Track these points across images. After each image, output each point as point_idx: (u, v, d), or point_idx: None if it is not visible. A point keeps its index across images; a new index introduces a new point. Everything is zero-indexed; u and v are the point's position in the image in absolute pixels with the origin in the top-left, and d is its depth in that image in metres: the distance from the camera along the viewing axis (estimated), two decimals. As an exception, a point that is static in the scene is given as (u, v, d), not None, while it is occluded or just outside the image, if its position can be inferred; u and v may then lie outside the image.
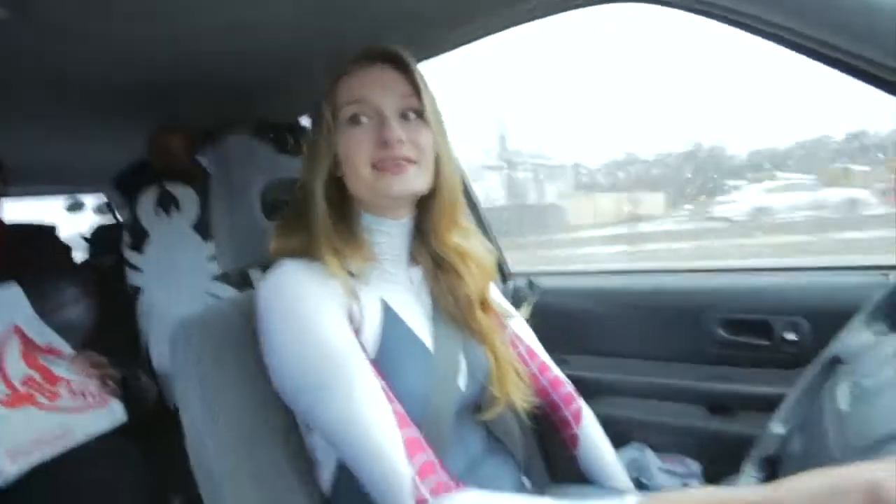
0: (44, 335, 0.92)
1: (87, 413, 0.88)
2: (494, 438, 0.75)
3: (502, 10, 0.85)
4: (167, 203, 1.26)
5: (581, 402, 0.82)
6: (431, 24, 0.90)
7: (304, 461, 0.66)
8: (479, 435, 0.72)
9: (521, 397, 0.71)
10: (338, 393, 0.54)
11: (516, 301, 1.26)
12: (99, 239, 1.87)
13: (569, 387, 0.82)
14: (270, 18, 0.83)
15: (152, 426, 1.09)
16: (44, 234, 1.24)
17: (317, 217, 0.62)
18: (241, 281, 1.23)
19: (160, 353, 1.24)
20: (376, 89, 0.62)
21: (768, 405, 0.58)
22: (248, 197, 0.76)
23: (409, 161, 0.61)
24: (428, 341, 0.66)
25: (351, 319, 0.60)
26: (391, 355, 0.62)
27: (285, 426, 0.66)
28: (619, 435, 1.02)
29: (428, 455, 0.54)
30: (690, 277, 1.11)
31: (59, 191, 2.29)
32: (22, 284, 0.96)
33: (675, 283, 1.11)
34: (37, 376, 0.85)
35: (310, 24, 0.85)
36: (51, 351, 0.91)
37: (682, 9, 0.68)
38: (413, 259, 0.71)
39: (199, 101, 1.28)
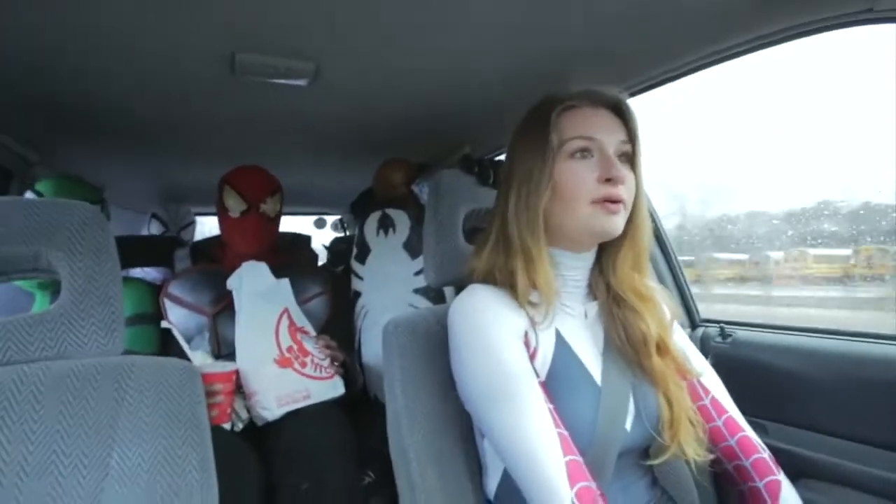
0: (300, 318, 1.23)
1: (321, 382, 1.14)
2: (663, 491, 0.71)
3: (698, 50, 0.84)
4: (386, 225, 1.52)
5: (781, 477, 0.68)
6: (622, 64, 0.94)
7: (476, 457, 0.74)
8: (645, 483, 0.69)
9: (695, 449, 0.65)
10: (509, 407, 0.58)
11: (704, 350, 1.16)
12: (334, 249, 2.33)
13: (765, 454, 0.70)
14: (479, 68, 0.99)
15: (357, 408, 1.33)
16: (303, 242, 1.65)
17: (522, 244, 0.65)
18: (436, 295, 1.42)
19: (369, 349, 1.47)
20: (603, 130, 0.65)
21: None
22: (454, 224, 0.87)
23: (622, 202, 0.64)
24: (597, 376, 0.66)
25: (527, 345, 0.64)
26: (560, 384, 0.64)
27: (465, 423, 0.74)
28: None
29: (589, 483, 0.55)
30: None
31: (310, 211, 2.96)
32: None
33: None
34: (295, 347, 1.14)
35: (513, 67, 0.98)
36: (303, 331, 1.21)
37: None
38: (591, 293, 0.73)
39: (416, 141, 1.54)
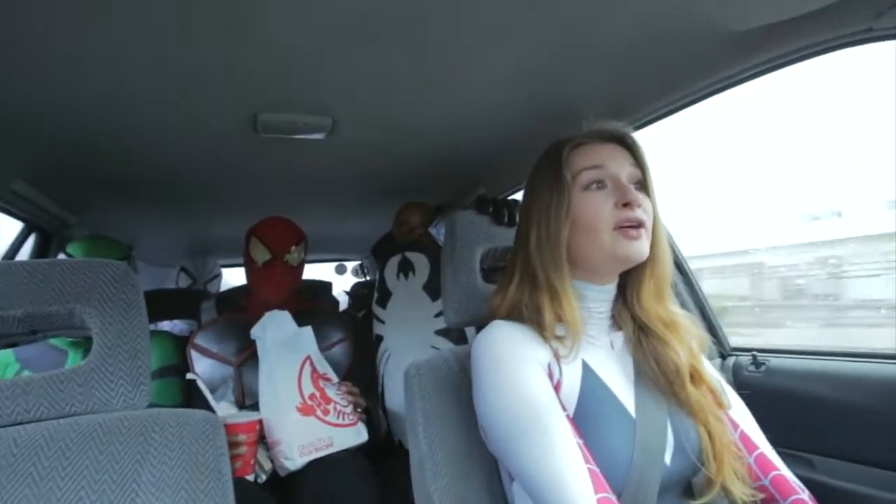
0: (322, 365, 1.23)
1: (343, 429, 1.13)
2: None
3: (703, 78, 0.86)
4: (406, 268, 1.53)
5: None
6: (629, 100, 0.96)
7: (504, 502, 0.71)
8: None
9: (741, 489, 0.61)
10: (535, 443, 0.57)
11: (737, 381, 1.11)
12: (355, 294, 2.35)
13: (804, 495, 0.64)
14: (490, 113, 1.02)
15: (382, 454, 1.30)
16: (324, 289, 1.68)
17: (547, 279, 0.66)
18: (458, 336, 1.41)
19: (392, 393, 1.45)
20: (612, 160, 0.67)
21: None
22: (471, 264, 0.87)
23: (643, 226, 0.65)
24: (630, 407, 0.64)
25: (550, 377, 0.63)
26: (590, 415, 0.62)
27: (491, 467, 0.72)
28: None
29: None
30: None
31: (331, 258, 3.03)
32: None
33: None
34: (317, 394, 1.14)
35: (523, 110, 1.01)
36: (326, 378, 1.21)
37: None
38: (615, 324, 0.72)
39: (432, 184, 1.58)
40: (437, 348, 1.41)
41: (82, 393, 0.60)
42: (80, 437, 0.58)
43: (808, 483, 0.68)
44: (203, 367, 1.25)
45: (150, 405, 0.64)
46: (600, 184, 0.67)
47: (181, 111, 0.94)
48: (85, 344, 1.20)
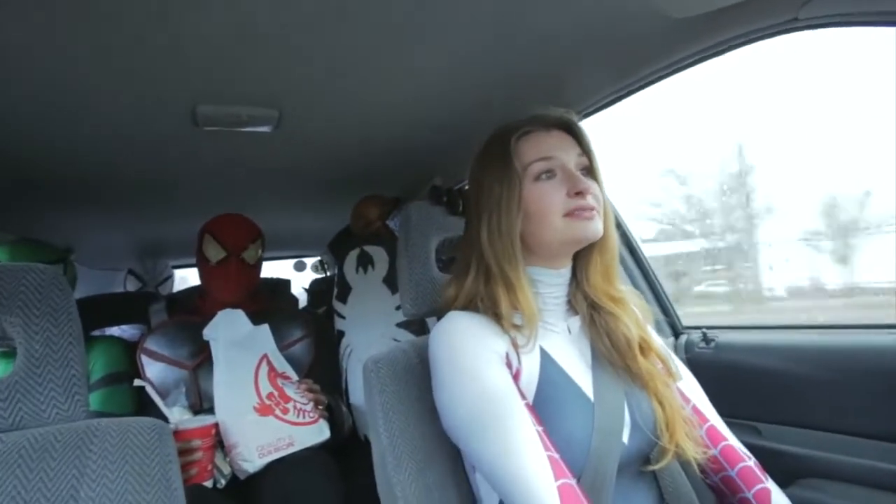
0: (281, 364, 1.20)
1: (304, 428, 1.10)
2: None
3: (643, 68, 0.88)
4: (365, 262, 1.51)
5: (770, 484, 0.67)
6: (578, 87, 0.98)
7: (468, 491, 0.72)
8: (649, 499, 0.68)
9: (694, 448, 0.64)
10: (495, 433, 0.57)
11: (690, 357, 1.16)
12: (315, 291, 2.30)
13: (750, 462, 0.69)
14: (440, 102, 1.02)
15: (347, 450, 1.29)
16: (283, 286, 1.63)
17: (501, 271, 0.66)
18: (419, 328, 1.40)
19: (355, 389, 1.43)
20: (560, 148, 0.68)
21: None
22: (426, 255, 0.86)
23: (594, 209, 0.66)
24: (588, 390, 0.65)
25: (508, 366, 0.64)
26: (549, 401, 0.63)
27: (453, 457, 0.72)
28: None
29: None
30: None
31: (289, 255, 2.95)
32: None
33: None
34: (276, 394, 1.11)
35: (473, 99, 1.01)
36: (284, 376, 1.18)
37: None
38: (572, 309, 0.73)
39: (387, 176, 1.55)
40: (399, 341, 1.40)
41: (6, 408, 0.56)
42: (5, 456, 0.54)
43: (755, 449, 0.72)
44: (155, 372, 1.19)
45: (98, 415, 0.61)
46: (550, 173, 0.67)
47: (111, 103, 0.88)
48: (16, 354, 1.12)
